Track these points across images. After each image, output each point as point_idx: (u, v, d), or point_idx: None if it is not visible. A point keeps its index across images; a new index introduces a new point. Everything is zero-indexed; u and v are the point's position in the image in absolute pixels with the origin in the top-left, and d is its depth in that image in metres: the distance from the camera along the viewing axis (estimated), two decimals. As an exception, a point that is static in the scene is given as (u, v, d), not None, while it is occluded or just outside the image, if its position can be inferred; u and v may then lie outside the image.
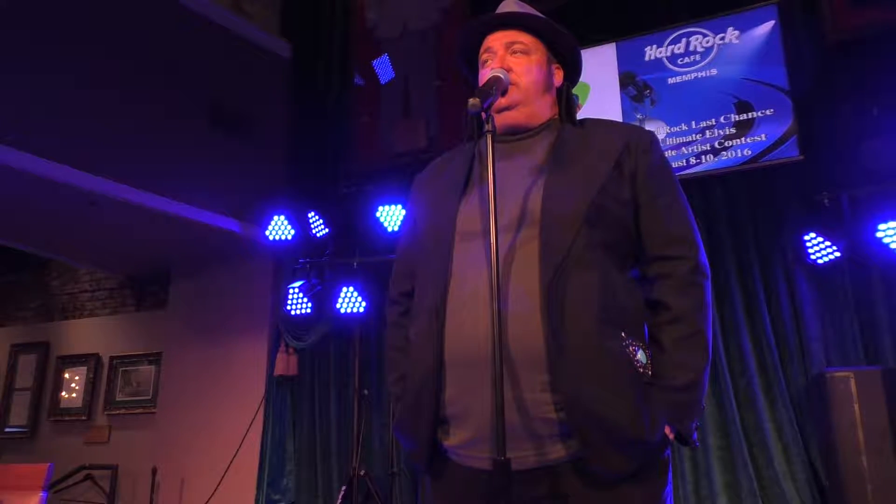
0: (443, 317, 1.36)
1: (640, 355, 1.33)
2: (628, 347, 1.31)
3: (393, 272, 1.64)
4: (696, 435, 1.34)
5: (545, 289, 1.28)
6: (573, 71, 1.61)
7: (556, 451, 1.27)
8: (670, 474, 1.35)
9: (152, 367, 6.05)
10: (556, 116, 1.56)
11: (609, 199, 1.37)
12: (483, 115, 1.31)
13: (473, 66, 1.61)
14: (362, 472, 4.30)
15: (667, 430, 1.30)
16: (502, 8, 1.58)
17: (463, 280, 1.36)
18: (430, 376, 1.35)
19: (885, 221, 3.51)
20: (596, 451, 1.24)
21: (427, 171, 1.65)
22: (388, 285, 1.66)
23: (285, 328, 5.13)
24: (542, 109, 1.53)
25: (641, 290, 1.41)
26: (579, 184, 1.37)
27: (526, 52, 1.52)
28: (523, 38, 1.53)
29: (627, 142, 1.45)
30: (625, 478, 1.26)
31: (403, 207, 4.46)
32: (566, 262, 1.30)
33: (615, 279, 1.34)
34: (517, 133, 1.51)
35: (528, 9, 1.58)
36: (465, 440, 1.33)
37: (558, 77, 1.58)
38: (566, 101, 1.56)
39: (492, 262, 1.23)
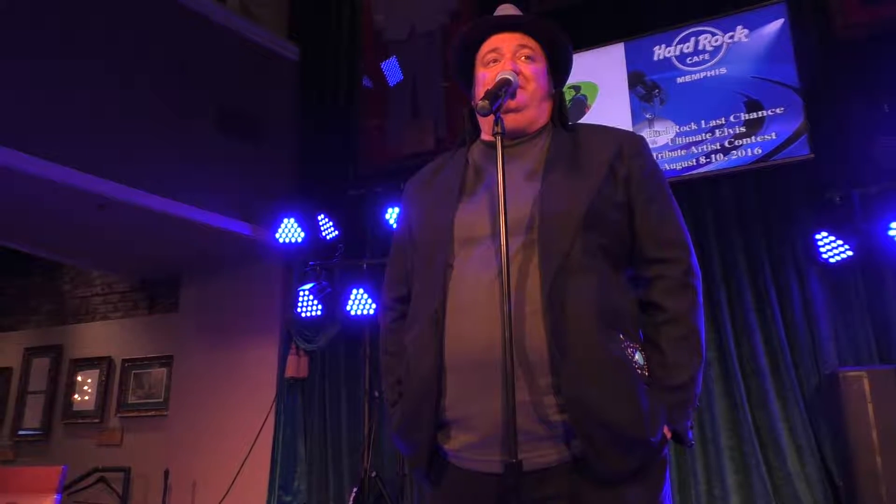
0: (442, 322, 1.37)
1: (638, 356, 1.35)
2: (627, 349, 1.33)
3: (386, 277, 1.65)
4: (690, 434, 1.37)
5: (546, 293, 1.30)
6: (563, 77, 1.64)
7: (561, 452, 1.29)
8: (668, 473, 1.37)
9: (164, 370, 6.08)
10: (549, 122, 1.57)
11: (604, 202, 1.39)
12: (493, 116, 1.33)
13: (464, 62, 1.61)
14: (373, 474, 4.31)
15: (665, 429, 1.33)
16: (502, 11, 1.59)
17: (462, 285, 1.38)
18: (429, 381, 1.36)
19: (898, 219, 3.49)
20: (599, 452, 1.26)
21: (417, 179, 1.65)
22: None
23: (295, 330, 5.14)
24: (542, 115, 1.55)
25: (635, 292, 1.43)
26: (575, 188, 1.39)
27: (533, 58, 1.53)
28: (531, 44, 1.54)
29: (620, 146, 1.47)
30: (626, 477, 1.28)
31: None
32: (565, 265, 1.32)
33: (612, 281, 1.37)
34: (515, 137, 1.52)
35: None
36: (468, 444, 1.34)
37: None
38: (559, 106, 1.57)
39: (502, 263, 1.24)
